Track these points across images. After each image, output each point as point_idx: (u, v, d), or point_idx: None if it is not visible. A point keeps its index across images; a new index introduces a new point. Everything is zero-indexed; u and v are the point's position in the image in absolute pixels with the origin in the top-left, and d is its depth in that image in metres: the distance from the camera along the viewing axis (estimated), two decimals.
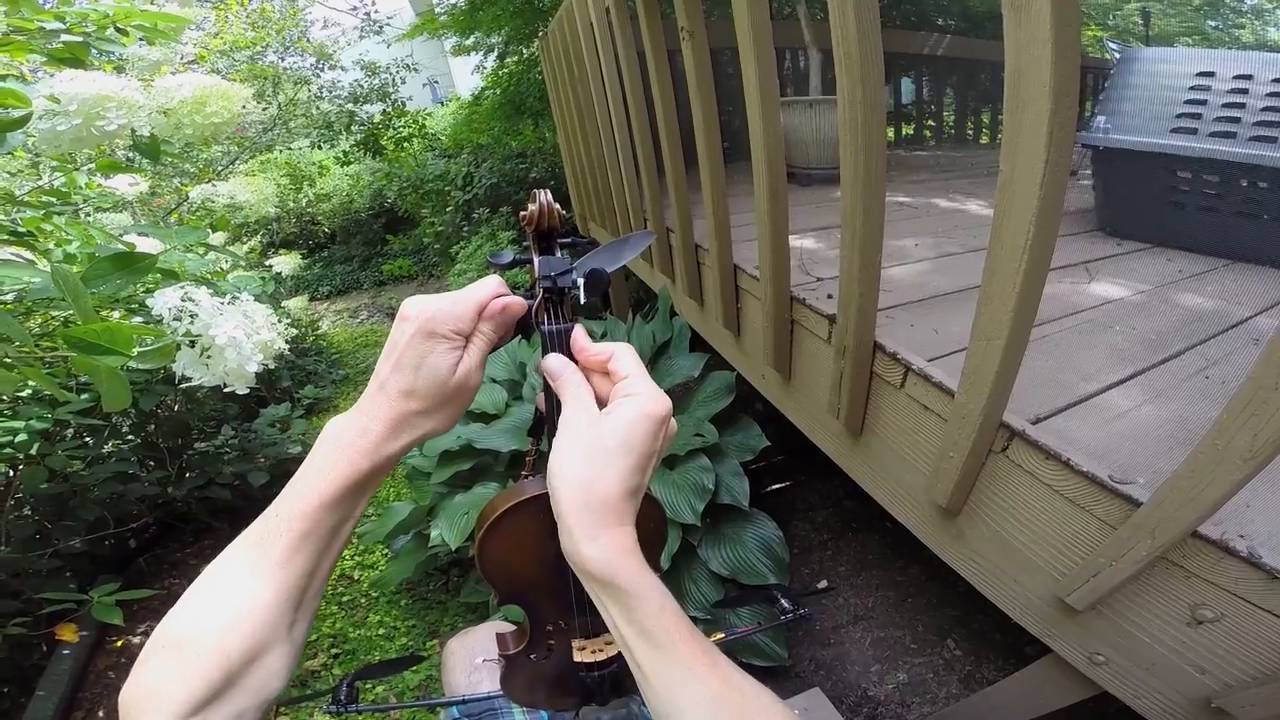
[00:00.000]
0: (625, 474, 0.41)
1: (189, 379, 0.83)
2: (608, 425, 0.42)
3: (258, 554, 0.41)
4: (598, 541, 0.40)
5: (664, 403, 0.43)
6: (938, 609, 1.99)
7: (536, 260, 0.48)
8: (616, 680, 0.61)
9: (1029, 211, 0.66)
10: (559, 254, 0.49)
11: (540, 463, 0.52)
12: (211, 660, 0.37)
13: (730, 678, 0.40)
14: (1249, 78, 1.53)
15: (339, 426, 0.44)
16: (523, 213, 0.49)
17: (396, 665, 0.92)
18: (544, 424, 0.50)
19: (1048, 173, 0.63)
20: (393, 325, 0.45)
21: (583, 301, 0.47)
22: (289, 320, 3.22)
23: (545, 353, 0.47)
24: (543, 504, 0.50)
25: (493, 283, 0.46)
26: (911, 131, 4.56)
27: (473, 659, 0.99)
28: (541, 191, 0.48)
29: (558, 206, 0.48)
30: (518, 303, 0.47)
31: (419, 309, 0.44)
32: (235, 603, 0.39)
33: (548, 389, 0.48)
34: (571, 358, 0.46)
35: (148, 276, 0.95)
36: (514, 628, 0.64)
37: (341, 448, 0.42)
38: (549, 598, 0.55)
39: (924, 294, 1.41)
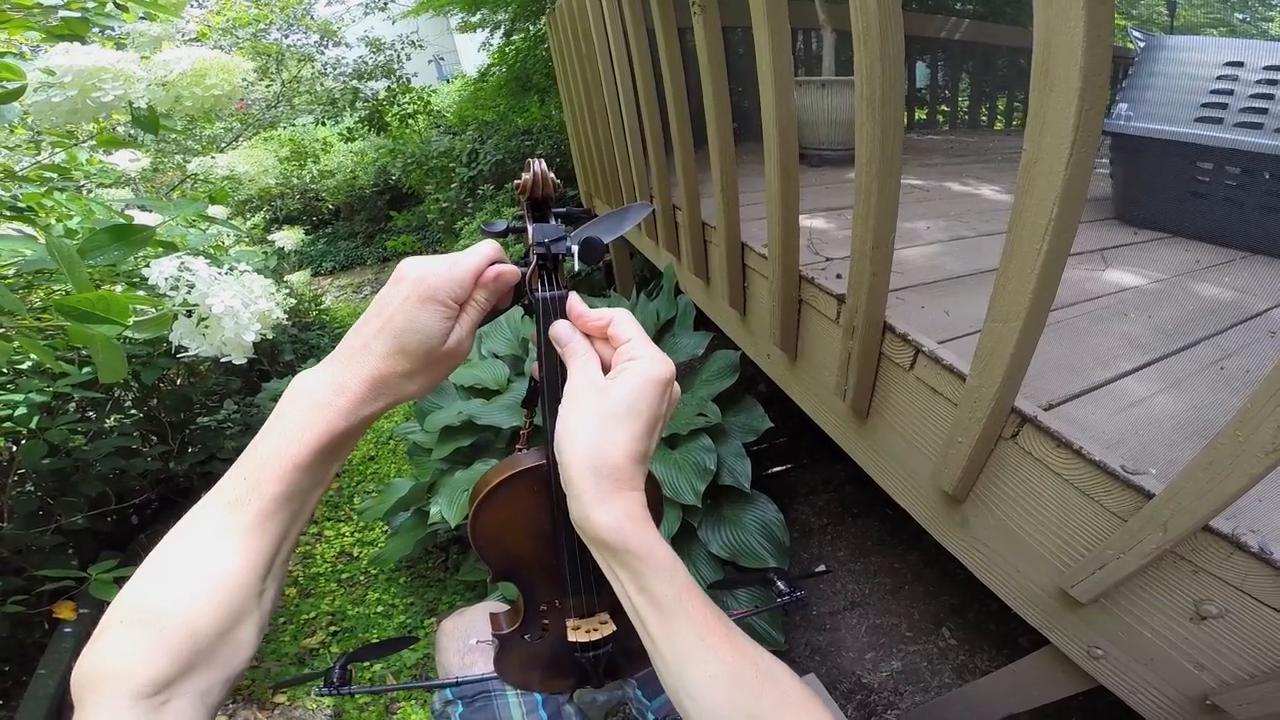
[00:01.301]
0: (633, 439, 0.40)
1: (186, 349, 0.82)
2: (613, 391, 0.41)
3: (228, 520, 0.38)
4: (608, 507, 0.39)
5: (667, 365, 0.42)
6: (935, 597, 1.99)
7: (530, 228, 0.48)
8: (612, 661, 0.61)
9: (1053, 193, 0.64)
10: (553, 222, 0.49)
11: (535, 436, 0.51)
12: (177, 634, 0.35)
13: (744, 649, 0.39)
14: (1279, 69, 1.49)
15: (312, 382, 0.41)
16: (516, 181, 0.48)
17: (389, 646, 0.91)
18: (538, 395, 0.49)
19: (1074, 154, 0.61)
20: (387, 284, 0.43)
21: (576, 269, 0.47)
22: (288, 291, 3.21)
23: (539, 320, 0.47)
24: (537, 476, 0.49)
25: (489, 248, 0.45)
26: (925, 116, 4.49)
27: (466, 640, 0.99)
28: (535, 160, 0.48)
29: (552, 175, 0.48)
30: (512, 271, 0.46)
31: (418, 273, 0.42)
32: (203, 572, 0.37)
33: (542, 360, 0.47)
34: None
35: (147, 249, 0.94)
36: (508, 608, 0.64)
37: (317, 406, 0.40)
38: (543, 574, 0.55)
39: (935, 276, 1.39)
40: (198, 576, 0.37)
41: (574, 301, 0.46)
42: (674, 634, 0.39)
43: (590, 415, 0.41)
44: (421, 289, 0.42)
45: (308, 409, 0.40)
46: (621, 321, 0.44)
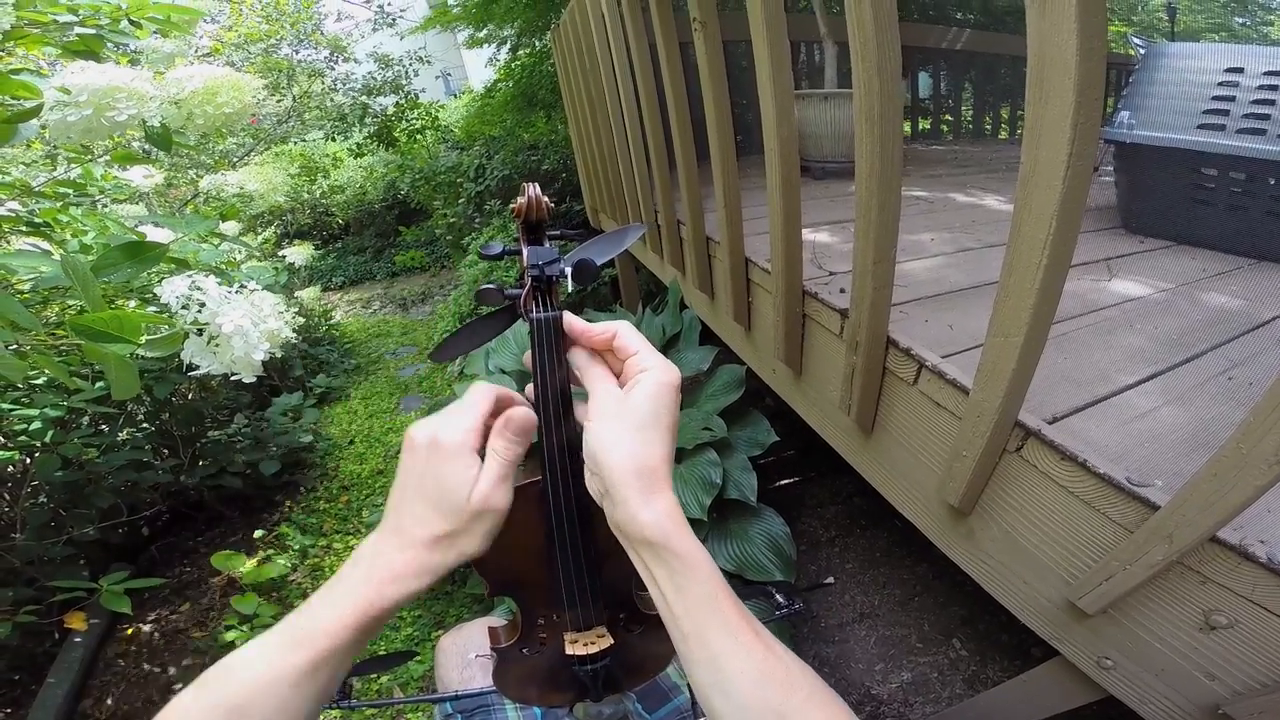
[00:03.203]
0: (661, 442, 0.43)
1: (197, 367, 0.84)
2: (634, 402, 0.44)
3: (287, 659, 0.40)
4: (652, 506, 0.42)
5: (675, 370, 0.46)
6: (944, 608, 1.97)
7: (525, 250, 0.49)
8: (611, 675, 0.61)
9: (1051, 206, 0.64)
10: (547, 245, 0.51)
11: (530, 453, 0.52)
12: None
13: (774, 649, 0.40)
14: None
15: (370, 550, 0.44)
16: (512, 205, 0.50)
17: (390, 660, 0.91)
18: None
19: (1071, 167, 0.62)
20: (403, 454, 0.45)
21: (570, 290, 0.48)
22: (297, 309, 3.24)
23: (534, 342, 0.48)
24: (532, 492, 0.50)
25: (483, 393, 0.47)
26: (928, 126, 4.51)
27: (465, 655, 0.99)
28: (530, 185, 0.49)
29: (546, 199, 0.49)
30: (522, 413, 0.47)
31: (425, 434, 0.44)
32: (264, 706, 0.39)
33: (538, 380, 0.48)
34: (560, 345, 0.48)
35: (160, 266, 0.96)
36: (505, 622, 0.64)
37: (371, 581, 0.42)
38: (539, 588, 0.55)
39: (939, 289, 1.39)
40: (259, 709, 0.39)
41: (571, 320, 0.48)
42: (707, 632, 0.40)
43: (621, 426, 0.43)
44: (431, 447, 0.44)
45: (363, 580, 0.42)
46: (625, 334, 0.46)
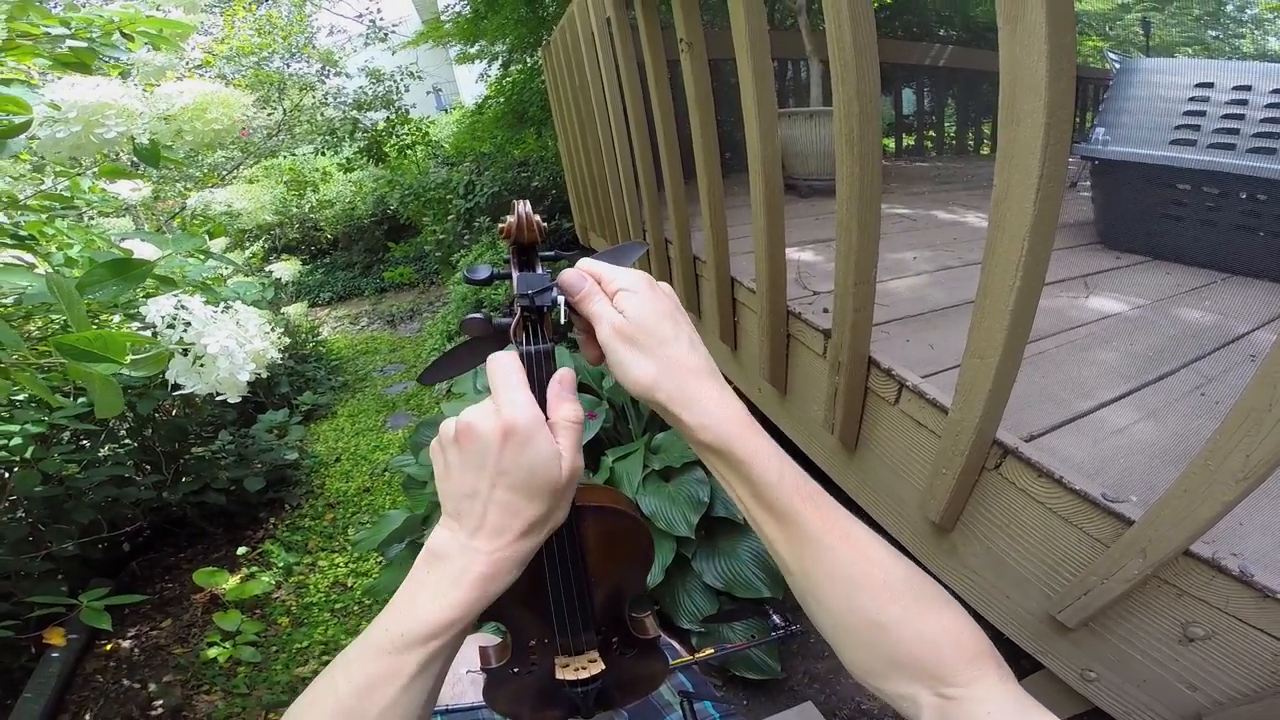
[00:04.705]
0: (672, 341, 0.42)
1: (182, 387, 0.83)
2: (629, 315, 0.42)
3: (396, 662, 0.38)
4: (701, 410, 0.41)
5: (639, 274, 0.44)
6: None
7: (515, 276, 0.46)
8: (603, 693, 0.61)
9: (1023, 227, 0.66)
10: (540, 269, 0.47)
11: None
12: None
13: (869, 555, 0.39)
14: (1248, 88, 1.53)
15: (458, 550, 0.40)
16: (501, 224, 0.46)
17: None
18: None
19: (1042, 188, 0.63)
20: (457, 447, 0.41)
21: (563, 321, 0.45)
22: (282, 329, 3.21)
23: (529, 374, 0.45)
24: None
25: (511, 359, 0.43)
26: (913, 142, 4.57)
27: (456, 670, 0.98)
28: (520, 202, 0.46)
29: (538, 218, 0.46)
30: (567, 372, 0.44)
31: (492, 425, 0.39)
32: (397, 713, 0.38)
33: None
34: (544, 386, 0.44)
35: (146, 283, 0.96)
36: (497, 640, 0.64)
37: (468, 583, 0.40)
38: (528, 613, 0.55)
39: (921, 308, 1.41)
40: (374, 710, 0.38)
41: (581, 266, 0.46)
42: (791, 538, 0.39)
43: (624, 345, 0.42)
44: (518, 437, 0.39)
45: (455, 582, 0.40)
46: (589, 268, 0.45)
